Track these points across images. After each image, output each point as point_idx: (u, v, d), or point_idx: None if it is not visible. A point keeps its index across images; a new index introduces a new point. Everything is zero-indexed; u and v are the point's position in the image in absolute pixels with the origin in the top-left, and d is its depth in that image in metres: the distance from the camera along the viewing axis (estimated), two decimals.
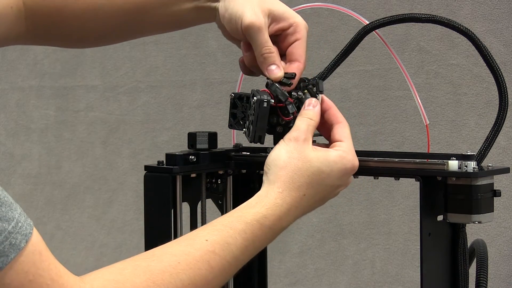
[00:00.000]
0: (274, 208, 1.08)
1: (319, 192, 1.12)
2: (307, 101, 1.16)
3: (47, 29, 1.23)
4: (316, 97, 1.18)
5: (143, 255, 1.01)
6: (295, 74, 1.18)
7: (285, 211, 1.09)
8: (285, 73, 1.18)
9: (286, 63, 1.19)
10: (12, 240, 0.88)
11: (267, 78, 1.18)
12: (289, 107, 1.16)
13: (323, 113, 1.17)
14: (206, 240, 1.03)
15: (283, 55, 1.20)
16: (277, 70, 1.17)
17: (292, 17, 1.18)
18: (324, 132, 1.19)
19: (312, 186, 1.10)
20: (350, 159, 1.13)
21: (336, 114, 1.16)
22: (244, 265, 1.08)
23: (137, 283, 0.96)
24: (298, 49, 1.19)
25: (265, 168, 1.12)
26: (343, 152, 1.13)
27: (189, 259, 1.01)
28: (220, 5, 1.19)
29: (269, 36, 1.18)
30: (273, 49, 1.17)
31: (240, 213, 1.08)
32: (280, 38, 1.19)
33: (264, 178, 1.12)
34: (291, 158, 1.11)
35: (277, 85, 1.17)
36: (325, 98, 1.18)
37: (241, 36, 1.18)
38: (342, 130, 1.15)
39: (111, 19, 1.22)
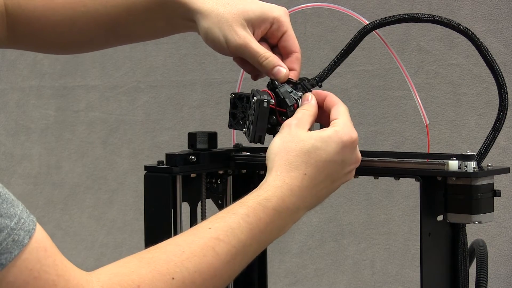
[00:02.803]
0: (274, 189, 1.07)
1: (321, 171, 1.09)
2: (303, 97, 1.17)
3: (27, 36, 1.25)
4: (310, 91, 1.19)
5: (149, 248, 1.01)
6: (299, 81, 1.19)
7: (287, 191, 1.07)
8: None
9: (283, 58, 1.20)
10: (15, 236, 0.88)
11: (273, 80, 1.18)
12: (290, 113, 1.16)
13: (321, 105, 1.17)
14: (210, 228, 1.02)
15: (276, 49, 1.20)
16: (282, 69, 1.17)
17: (270, 13, 1.17)
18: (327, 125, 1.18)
19: (311, 164, 1.08)
20: (346, 131, 1.10)
21: (332, 99, 1.16)
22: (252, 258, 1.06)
23: (142, 274, 0.96)
24: (288, 40, 1.19)
25: (266, 161, 1.11)
26: (337, 127, 1.11)
27: (193, 247, 1.00)
28: (199, 29, 1.18)
29: (258, 39, 1.18)
30: (268, 53, 1.17)
31: (242, 199, 1.07)
32: (267, 36, 1.19)
33: (267, 170, 1.11)
34: (284, 142, 1.10)
35: (287, 87, 1.17)
36: (319, 91, 1.18)
37: (232, 55, 1.18)
38: (337, 109, 1.14)
39: (87, 31, 1.24)
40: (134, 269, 0.96)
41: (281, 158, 1.09)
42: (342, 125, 1.11)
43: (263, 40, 1.20)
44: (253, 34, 1.17)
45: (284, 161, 1.09)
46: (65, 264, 0.92)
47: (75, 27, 1.23)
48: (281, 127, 1.13)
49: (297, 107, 1.17)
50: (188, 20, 1.19)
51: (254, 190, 1.09)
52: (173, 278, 0.97)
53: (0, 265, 0.87)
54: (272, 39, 1.20)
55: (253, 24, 1.17)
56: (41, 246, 0.90)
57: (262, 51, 1.17)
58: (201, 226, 1.03)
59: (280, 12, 1.18)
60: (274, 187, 1.07)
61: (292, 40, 1.19)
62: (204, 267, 0.99)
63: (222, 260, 1.01)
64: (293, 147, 1.09)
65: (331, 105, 1.15)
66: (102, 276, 0.95)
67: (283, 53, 1.20)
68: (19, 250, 0.88)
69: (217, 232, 1.02)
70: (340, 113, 1.13)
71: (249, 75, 1.25)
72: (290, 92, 1.18)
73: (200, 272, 0.99)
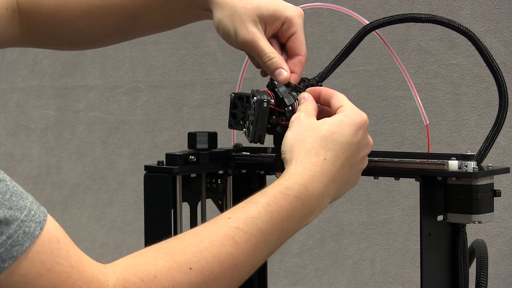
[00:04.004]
0: (296, 177, 1.06)
1: (339, 154, 1.09)
2: (300, 96, 1.17)
3: (42, 33, 1.24)
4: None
5: (168, 239, 0.99)
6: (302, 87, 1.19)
7: (309, 178, 1.06)
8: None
9: (287, 58, 1.20)
10: (25, 228, 0.87)
11: (272, 80, 1.19)
12: (288, 113, 1.16)
13: (318, 101, 1.17)
14: (229, 218, 1.01)
15: (284, 48, 1.20)
16: (283, 72, 1.17)
17: (283, 12, 1.18)
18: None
19: (329, 148, 1.08)
20: (356, 113, 1.11)
21: (327, 93, 1.16)
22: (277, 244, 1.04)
23: (159, 265, 0.94)
24: (295, 42, 1.19)
25: (282, 156, 1.11)
26: (346, 111, 1.11)
27: (212, 236, 0.98)
28: (214, 17, 1.18)
29: (269, 36, 1.18)
30: (273, 54, 1.17)
31: (264, 190, 1.06)
32: (278, 34, 1.20)
33: (284, 164, 1.11)
34: (298, 133, 1.10)
35: (285, 88, 1.18)
36: (313, 87, 1.19)
37: (240, 49, 1.19)
38: (337, 98, 1.14)
39: (105, 26, 1.23)
40: (151, 260, 0.95)
41: (299, 148, 1.08)
42: (350, 108, 1.12)
43: (274, 37, 1.20)
44: (265, 31, 1.18)
45: (302, 150, 1.08)
46: (79, 256, 0.92)
47: (92, 22, 1.23)
48: (290, 121, 1.13)
49: (296, 107, 1.17)
50: (205, 9, 1.20)
51: (275, 180, 1.08)
52: (190, 268, 0.95)
53: (12, 258, 0.86)
54: (281, 38, 1.20)
55: (265, 21, 1.17)
56: (53, 237, 0.89)
57: (268, 50, 1.17)
58: (221, 216, 1.02)
59: (293, 13, 1.18)
60: (295, 174, 1.06)
61: (298, 42, 1.19)
62: (223, 257, 0.98)
63: (241, 249, 0.99)
64: (308, 135, 1.09)
65: (329, 97, 1.16)
66: (118, 267, 0.94)
67: (289, 54, 1.20)
68: (31, 242, 0.87)
69: (236, 222, 1.00)
70: (342, 100, 1.13)
71: (249, 76, 1.25)
72: (288, 93, 1.18)
73: (219, 261, 0.97)
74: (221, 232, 0.99)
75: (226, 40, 1.19)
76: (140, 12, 1.22)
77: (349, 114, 1.11)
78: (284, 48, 1.21)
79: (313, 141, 1.08)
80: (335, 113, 1.13)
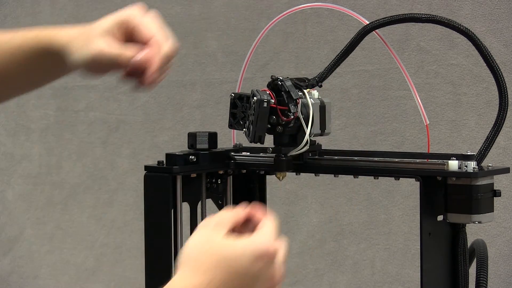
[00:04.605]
0: None
1: (229, 280, 0.99)
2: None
3: None
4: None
5: None
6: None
7: None
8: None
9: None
10: None
11: (274, 77, 1.18)
12: (292, 107, 1.16)
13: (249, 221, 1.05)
14: None
15: (144, 46, 1.11)
16: (136, 56, 1.08)
17: (117, 19, 1.11)
18: None
19: (220, 271, 0.98)
20: (263, 242, 0.99)
21: (261, 216, 1.04)
22: None
23: None
24: (141, 31, 1.10)
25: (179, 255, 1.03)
26: (256, 236, 1.00)
27: None
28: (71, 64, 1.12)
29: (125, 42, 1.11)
30: (121, 50, 1.09)
31: None
32: (131, 39, 1.12)
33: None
34: (199, 243, 1.00)
35: (291, 82, 1.18)
36: (258, 208, 1.05)
37: (104, 69, 1.12)
38: (264, 221, 1.02)
39: None
40: None
41: (191, 259, 1.00)
42: (263, 234, 1.00)
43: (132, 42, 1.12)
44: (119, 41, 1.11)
45: (193, 262, 0.99)
46: None
47: None
48: (201, 224, 1.03)
49: (299, 103, 1.17)
50: (68, 68, 1.14)
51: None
52: None
53: None
54: (134, 39, 1.12)
55: (112, 33, 1.11)
56: None
57: (116, 50, 1.09)
58: None
59: (127, 13, 1.11)
60: None
61: (143, 30, 1.10)
62: None
63: None
64: (206, 248, 1.00)
65: (260, 219, 1.04)
66: None
67: (147, 44, 1.11)
68: None
69: None
70: (265, 224, 1.02)
71: (249, 76, 1.25)
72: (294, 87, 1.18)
73: None
74: None
75: (92, 71, 1.11)
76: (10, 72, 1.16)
77: (254, 241, 0.99)
78: (145, 47, 1.11)
79: (206, 258, 0.99)
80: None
